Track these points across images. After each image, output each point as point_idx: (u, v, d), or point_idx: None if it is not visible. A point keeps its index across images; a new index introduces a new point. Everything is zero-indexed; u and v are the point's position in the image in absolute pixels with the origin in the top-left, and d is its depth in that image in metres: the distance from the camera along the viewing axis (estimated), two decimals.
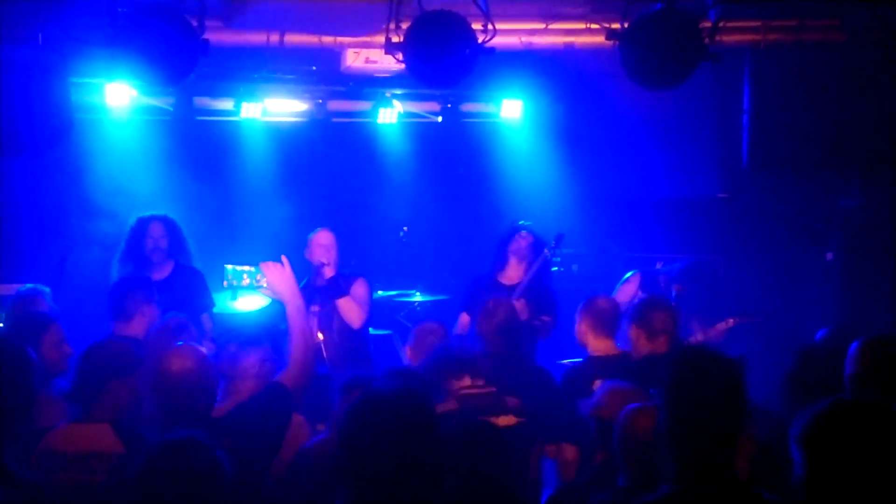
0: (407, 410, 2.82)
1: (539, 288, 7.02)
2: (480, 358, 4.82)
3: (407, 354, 5.55)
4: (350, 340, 6.80)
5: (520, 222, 7.26)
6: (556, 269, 8.84)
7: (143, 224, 6.96)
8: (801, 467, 2.65)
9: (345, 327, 6.81)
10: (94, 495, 3.88)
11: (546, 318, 6.85)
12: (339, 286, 6.84)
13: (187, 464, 3.03)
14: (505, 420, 4.43)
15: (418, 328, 5.55)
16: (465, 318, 7.00)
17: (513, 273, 7.12)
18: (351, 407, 2.87)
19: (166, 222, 6.99)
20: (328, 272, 6.86)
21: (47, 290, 6.06)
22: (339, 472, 2.83)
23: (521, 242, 7.11)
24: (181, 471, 3.02)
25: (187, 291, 6.80)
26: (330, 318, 6.81)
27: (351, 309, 6.81)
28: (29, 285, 6.25)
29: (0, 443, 3.43)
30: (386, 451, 2.76)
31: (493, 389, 4.69)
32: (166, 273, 6.90)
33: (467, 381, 4.68)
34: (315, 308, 6.71)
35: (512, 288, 6.98)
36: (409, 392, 2.89)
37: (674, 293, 7.14)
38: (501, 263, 7.15)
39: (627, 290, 7.12)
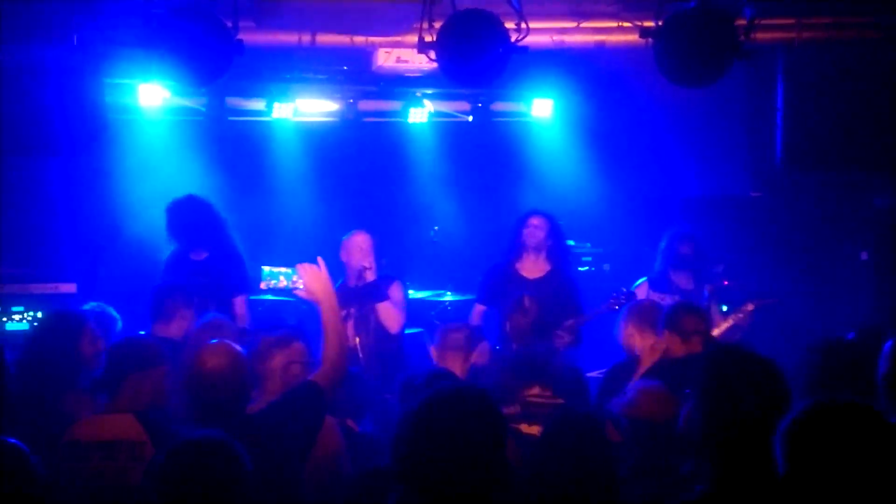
0: (476, 413, 2.80)
1: (563, 284, 6.94)
2: (553, 369, 4.82)
3: (433, 355, 5.57)
4: (386, 343, 6.79)
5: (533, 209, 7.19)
6: (585, 268, 8.86)
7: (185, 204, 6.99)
8: (781, 464, 2.62)
9: (381, 330, 6.80)
10: (118, 482, 3.94)
11: (570, 323, 6.75)
12: (380, 290, 6.82)
13: (206, 462, 3.03)
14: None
15: (443, 329, 5.58)
16: (478, 309, 6.99)
17: (531, 265, 7.02)
18: (416, 409, 2.84)
19: (201, 203, 7.01)
20: (369, 276, 6.83)
21: (111, 309, 6.04)
22: (399, 473, 2.81)
23: (536, 230, 7.00)
24: (199, 469, 3.02)
25: (223, 273, 6.81)
26: (367, 321, 6.78)
27: (390, 313, 6.81)
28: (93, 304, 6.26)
29: None
30: (454, 453, 2.73)
31: (562, 401, 4.69)
32: (204, 255, 6.94)
33: (536, 390, 4.69)
34: (351, 310, 6.69)
35: (533, 281, 6.92)
36: (477, 394, 2.88)
37: (706, 293, 7.11)
38: (517, 253, 7.04)
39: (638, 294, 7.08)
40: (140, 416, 4.12)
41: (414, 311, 7.73)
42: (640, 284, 7.27)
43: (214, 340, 4.10)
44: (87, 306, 6.04)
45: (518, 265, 7.04)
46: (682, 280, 7.24)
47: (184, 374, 3.97)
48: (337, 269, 6.87)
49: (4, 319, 7.06)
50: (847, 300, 8.25)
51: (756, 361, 2.99)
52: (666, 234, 7.41)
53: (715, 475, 2.89)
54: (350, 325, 6.68)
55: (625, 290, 6.95)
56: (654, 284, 7.22)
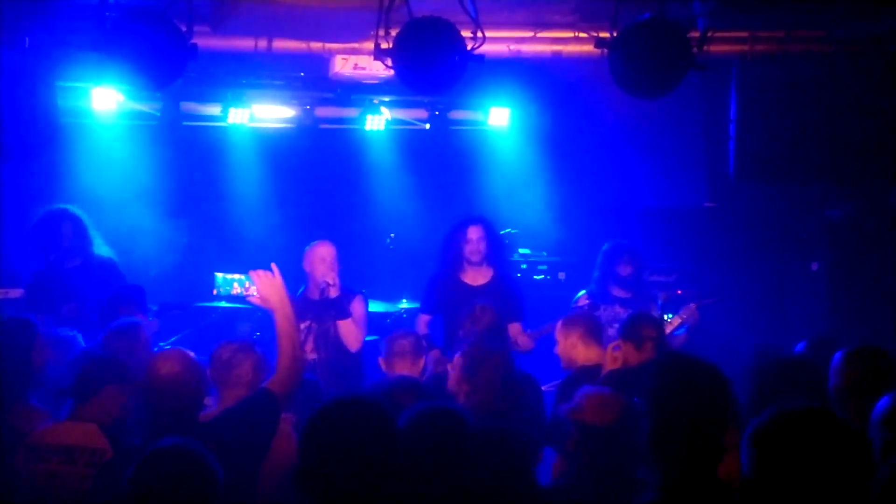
0: (365, 419, 2.80)
1: (506, 289, 6.96)
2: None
3: (382, 365, 5.56)
4: (345, 359, 6.72)
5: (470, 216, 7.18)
6: (541, 277, 8.88)
7: (51, 218, 6.95)
8: (745, 467, 2.65)
9: (341, 346, 6.72)
10: (73, 486, 3.95)
11: (531, 332, 6.81)
12: (342, 306, 6.72)
13: (179, 471, 3.02)
14: None
15: (389, 338, 5.58)
16: (424, 319, 6.99)
17: (474, 271, 7.03)
18: (310, 417, 2.84)
19: (71, 217, 6.97)
20: (333, 292, 6.70)
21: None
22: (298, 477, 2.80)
23: (477, 244, 6.99)
24: (173, 478, 3.00)
25: (100, 280, 6.73)
26: (326, 337, 6.71)
27: (351, 332, 6.72)
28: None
29: None
30: (345, 462, 2.74)
31: None
32: (77, 264, 6.88)
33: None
34: (307, 324, 6.61)
35: (478, 288, 6.94)
36: (370, 402, 2.88)
37: (660, 301, 7.17)
38: (459, 262, 7.06)
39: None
40: (104, 427, 4.14)
41: (370, 319, 7.70)
42: (579, 298, 7.29)
43: (167, 347, 4.09)
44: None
45: (461, 274, 7.07)
46: (622, 293, 7.28)
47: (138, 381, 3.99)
48: (297, 277, 6.84)
49: None
50: (799, 310, 8.35)
51: (702, 369, 3.02)
52: (605, 247, 7.41)
53: (662, 483, 2.91)
54: (310, 339, 6.63)
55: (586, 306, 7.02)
56: (593, 297, 7.23)
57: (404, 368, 5.40)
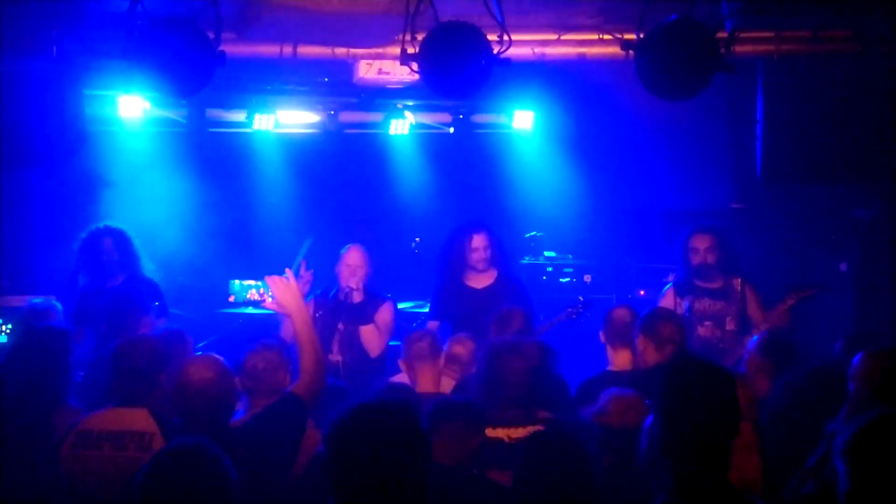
0: (396, 423, 2.80)
1: (511, 289, 6.96)
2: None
3: (402, 367, 5.60)
4: (369, 363, 6.76)
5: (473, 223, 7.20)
6: (566, 279, 8.86)
7: (95, 237, 7.01)
8: (844, 480, 2.64)
9: (364, 349, 6.79)
10: (126, 472, 3.91)
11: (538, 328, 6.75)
12: (366, 312, 6.79)
13: (191, 471, 3.01)
14: (533, 429, 4.42)
15: (406, 340, 5.59)
16: (433, 325, 7.00)
17: (478, 275, 7.05)
18: (339, 418, 2.85)
19: (115, 235, 7.02)
20: (356, 297, 6.78)
21: (58, 304, 6.09)
22: (329, 480, 2.82)
23: (482, 253, 7.02)
24: (184, 478, 3.00)
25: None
26: (352, 339, 6.78)
27: (372, 338, 6.78)
28: (40, 299, 6.28)
29: None
30: (374, 463, 2.73)
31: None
32: (118, 283, 6.91)
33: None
34: (339, 326, 6.72)
35: (483, 291, 6.96)
36: (398, 405, 2.88)
37: (687, 304, 7.10)
38: (462, 267, 7.08)
39: (665, 303, 6.96)
40: (154, 411, 4.16)
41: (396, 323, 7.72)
42: (665, 292, 7.13)
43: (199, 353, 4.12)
44: (34, 300, 6.09)
45: (465, 278, 7.09)
46: (710, 283, 7.02)
47: (170, 386, 4.00)
48: (328, 280, 6.94)
49: None
50: (827, 311, 8.29)
51: (712, 372, 3.01)
52: (684, 237, 7.12)
53: (675, 486, 2.91)
54: (335, 341, 6.69)
55: (581, 298, 7.06)
56: (679, 290, 7.03)
57: (425, 371, 5.42)
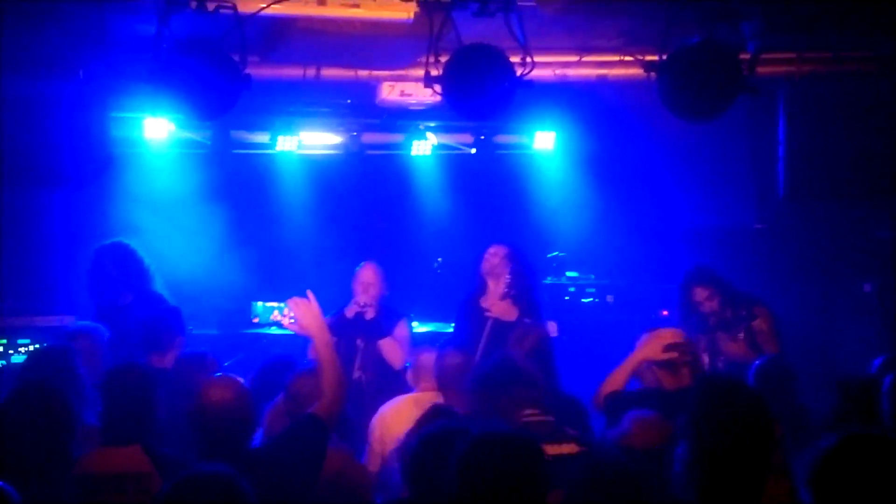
0: (519, 456, 2.86)
1: (523, 288, 6.90)
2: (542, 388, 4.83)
3: (409, 380, 5.62)
4: (390, 379, 6.74)
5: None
6: (589, 300, 8.84)
7: (96, 256, 6.90)
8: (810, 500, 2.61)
9: (386, 365, 6.80)
10: None
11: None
12: (381, 327, 6.82)
13: (210, 497, 2.96)
14: (567, 448, 4.42)
15: (439, 355, 5.56)
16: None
17: (492, 296, 6.99)
18: (463, 454, 2.89)
19: (116, 251, 6.88)
20: (369, 314, 6.82)
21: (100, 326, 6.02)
22: None
23: (493, 259, 7.02)
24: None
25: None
26: (371, 355, 6.79)
27: (393, 350, 6.80)
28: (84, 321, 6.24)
29: None
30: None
31: (552, 419, 4.69)
32: (128, 301, 6.80)
33: (528, 410, 4.69)
34: (358, 342, 6.74)
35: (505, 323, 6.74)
36: (521, 438, 2.92)
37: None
38: (480, 286, 7.08)
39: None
40: (146, 447, 4.11)
41: (419, 341, 7.73)
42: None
43: (218, 373, 4.11)
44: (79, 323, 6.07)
45: (481, 299, 7.02)
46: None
47: (189, 407, 3.98)
48: (346, 299, 6.93)
49: (11, 352, 7.04)
50: (851, 331, 8.24)
51: (743, 394, 2.99)
52: (679, 284, 6.94)
53: None
54: (357, 358, 6.72)
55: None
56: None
57: (429, 380, 5.48)
